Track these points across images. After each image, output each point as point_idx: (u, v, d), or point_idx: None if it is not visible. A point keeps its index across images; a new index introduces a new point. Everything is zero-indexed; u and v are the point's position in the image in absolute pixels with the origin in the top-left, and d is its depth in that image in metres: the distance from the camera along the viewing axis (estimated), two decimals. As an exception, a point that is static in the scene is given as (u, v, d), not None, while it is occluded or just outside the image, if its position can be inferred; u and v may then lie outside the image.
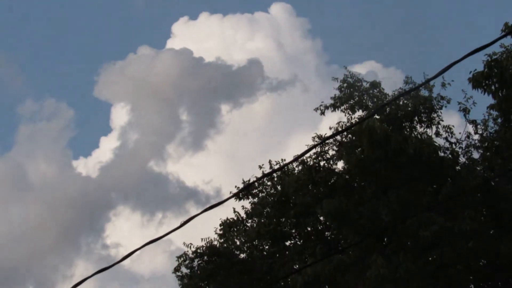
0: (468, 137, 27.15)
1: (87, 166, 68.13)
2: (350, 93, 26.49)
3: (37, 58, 71.56)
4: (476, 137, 27.02)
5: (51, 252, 42.53)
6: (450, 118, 27.82)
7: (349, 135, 25.69)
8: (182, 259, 27.56)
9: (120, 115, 54.33)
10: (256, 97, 47.46)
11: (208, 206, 7.54)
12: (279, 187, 27.44)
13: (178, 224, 7.63)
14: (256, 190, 27.73)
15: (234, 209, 28.13)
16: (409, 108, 26.26)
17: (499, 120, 26.15)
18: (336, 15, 68.87)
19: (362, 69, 56.48)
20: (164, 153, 48.03)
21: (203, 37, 59.30)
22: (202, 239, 27.74)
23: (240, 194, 27.10)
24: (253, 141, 54.41)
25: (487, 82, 22.35)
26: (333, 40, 70.31)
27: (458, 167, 25.73)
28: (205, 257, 27.14)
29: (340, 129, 26.32)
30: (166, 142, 47.26)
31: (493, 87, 22.49)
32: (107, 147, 60.58)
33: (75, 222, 43.20)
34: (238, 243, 28.02)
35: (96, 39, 71.66)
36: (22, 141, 58.17)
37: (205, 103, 47.06)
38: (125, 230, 47.91)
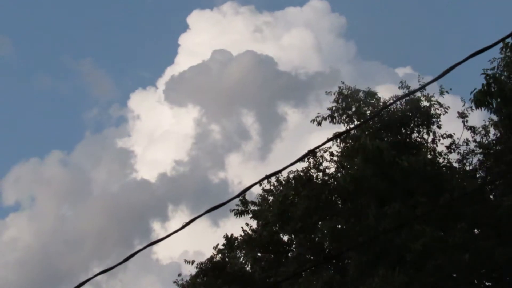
0: (466, 143, 27.17)
1: (149, 173, 67.58)
2: (347, 104, 26.45)
3: (107, 62, 71.96)
4: (474, 144, 27.06)
5: (110, 256, 42.57)
6: (450, 124, 27.50)
7: (344, 147, 25.76)
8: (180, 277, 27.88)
9: (185, 121, 53.91)
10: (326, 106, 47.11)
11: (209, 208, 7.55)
12: (276, 197, 27.29)
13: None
14: (256, 207, 27.58)
15: (242, 228, 27.69)
16: (408, 113, 26.29)
17: (498, 133, 26.24)
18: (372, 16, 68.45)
19: (400, 73, 56.21)
20: (227, 161, 47.49)
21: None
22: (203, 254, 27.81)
23: (239, 209, 27.12)
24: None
25: (488, 100, 22.19)
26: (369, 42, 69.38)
27: (456, 175, 25.79)
28: (208, 273, 27.04)
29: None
30: (230, 149, 46.21)
31: (494, 104, 22.31)
32: (171, 155, 59.59)
33: (132, 229, 43.14)
34: (238, 255, 28.01)
35: (162, 43, 71.50)
36: (86, 146, 58.44)
37: (271, 110, 46.29)
38: (179, 240, 47.38)
